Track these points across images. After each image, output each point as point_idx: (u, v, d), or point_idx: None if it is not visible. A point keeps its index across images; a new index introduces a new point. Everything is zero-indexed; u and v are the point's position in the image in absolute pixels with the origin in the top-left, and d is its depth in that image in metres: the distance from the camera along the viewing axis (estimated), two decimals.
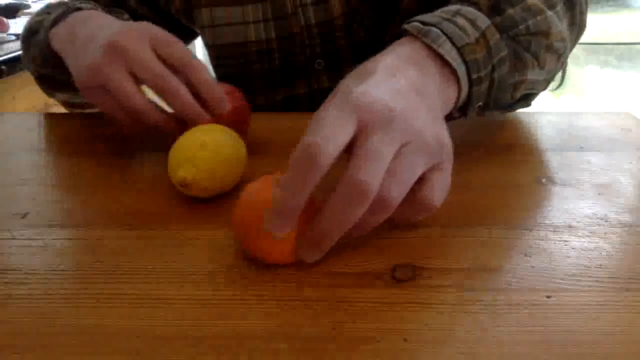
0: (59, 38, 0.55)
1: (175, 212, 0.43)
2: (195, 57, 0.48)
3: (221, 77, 0.75)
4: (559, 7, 0.49)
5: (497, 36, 0.43)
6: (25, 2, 1.65)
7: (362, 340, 0.29)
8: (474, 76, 0.41)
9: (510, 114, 0.61)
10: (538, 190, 0.45)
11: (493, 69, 0.43)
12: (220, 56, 0.73)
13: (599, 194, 0.44)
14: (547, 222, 0.40)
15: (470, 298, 0.32)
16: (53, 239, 0.39)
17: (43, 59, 0.59)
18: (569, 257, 0.36)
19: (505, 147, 0.54)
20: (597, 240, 0.37)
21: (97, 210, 0.43)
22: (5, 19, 1.30)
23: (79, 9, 0.57)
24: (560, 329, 0.29)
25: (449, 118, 0.43)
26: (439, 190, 0.35)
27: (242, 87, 0.73)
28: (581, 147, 0.53)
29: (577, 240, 0.38)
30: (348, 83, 0.36)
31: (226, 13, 0.69)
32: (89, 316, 0.31)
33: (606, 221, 0.40)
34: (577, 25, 0.54)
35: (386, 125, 0.33)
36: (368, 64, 0.38)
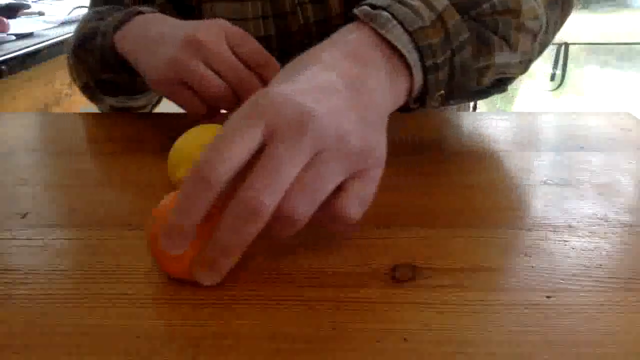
0: (127, 40, 0.55)
1: None
2: (266, 51, 0.49)
3: None
4: None
5: (457, 18, 0.39)
6: (25, 2, 1.65)
7: (362, 340, 0.29)
8: (429, 63, 0.38)
9: (509, 114, 0.61)
10: (538, 190, 0.45)
11: (453, 54, 0.39)
12: None
13: (599, 194, 0.44)
14: (547, 222, 0.40)
15: (470, 298, 0.32)
16: (53, 239, 0.39)
17: (103, 64, 0.59)
18: (569, 257, 0.36)
19: (505, 147, 0.54)
20: (597, 240, 0.37)
21: (97, 210, 0.43)
22: (5, 19, 1.30)
23: (141, 12, 0.57)
24: (560, 329, 0.29)
25: (405, 109, 0.41)
26: (355, 201, 0.32)
27: None
28: (581, 147, 0.53)
29: (577, 240, 0.38)
30: (272, 81, 0.34)
31: (226, 9, 0.69)
32: (89, 316, 0.31)
33: (606, 221, 0.40)
34: (559, 2, 0.51)
35: (297, 131, 0.30)
36: (303, 57, 0.35)
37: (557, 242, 0.37)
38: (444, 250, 0.37)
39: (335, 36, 0.38)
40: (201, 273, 0.32)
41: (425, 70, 0.38)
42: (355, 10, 0.38)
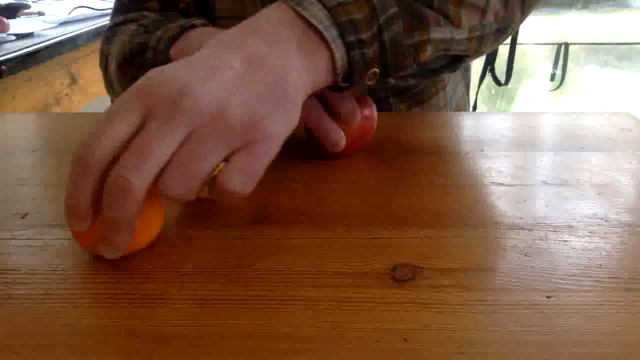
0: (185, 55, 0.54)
1: (175, 212, 0.43)
2: None
3: None
4: None
5: None
6: (25, 2, 1.65)
7: (362, 340, 0.29)
8: (350, 39, 0.37)
9: (509, 114, 0.61)
10: (538, 190, 0.45)
11: (380, 30, 0.39)
12: None
13: (599, 194, 0.44)
14: (547, 222, 0.40)
15: (470, 298, 0.32)
16: (53, 239, 0.39)
17: None
18: (569, 257, 0.36)
19: (505, 147, 0.54)
20: (597, 240, 0.37)
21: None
22: (5, 19, 1.29)
23: (193, 25, 0.55)
24: (560, 329, 0.29)
25: (337, 89, 0.41)
26: (237, 174, 0.32)
27: None
28: (581, 147, 0.53)
29: (577, 240, 0.38)
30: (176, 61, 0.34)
31: (226, 5, 0.69)
32: (89, 316, 0.31)
33: (606, 221, 0.40)
34: None
35: (170, 108, 0.30)
36: (216, 38, 0.35)
37: (557, 242, 0.37)
38: (444, 250, 0.37)
39: (253, 16, 0.38)
40: (102, 248, 0.33)
41: (348, 47, 0.38)
42: None
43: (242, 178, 0.32)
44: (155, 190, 0.31)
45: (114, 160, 0.30)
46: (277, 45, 0.35)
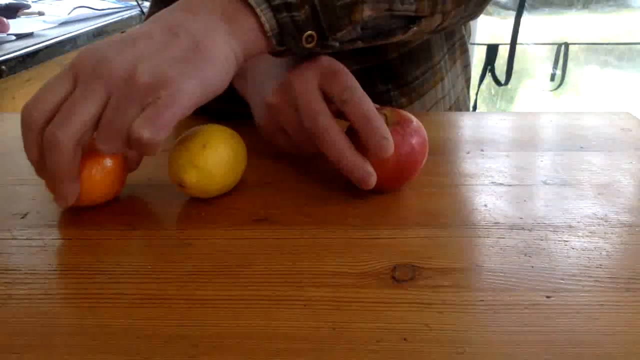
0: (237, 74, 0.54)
1: (175, 212, 0.43)
2: (358, 89, 0.42)
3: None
4: None
5: None
6: (25, 2, 1.64)
7: (362, 340, 0.29)
8: (276, 2, 0.38)
9: (509, 114, 0.61)
10: (538, 190, 0.45)
11: None
12: None
13: (599, 194, 0.44)
14: (547, 222, 0.40)
15: (470, 298, 0.32)
16: (53, 239, 0.39)
17: None
18: (569, 257, 0.36)
19: (505, 147, 0.54)
20: (597, 240, 0.37)
21: (97, 210, 0.43)
22: (5, 19, 1.29)
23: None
24: (560, 329, 0.29)
25: (278, 54, 0.42)
26: (144, 122, 0.35)
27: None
28: (581, 147, 0.53)
29: (577, 240, 0.38)
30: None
31: None
32: (89, 316, 0.31)
33: (606, 221, 0.40)
34: None
35: (90, 75, 0.35)
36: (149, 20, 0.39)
37: (557, 242, 0.37)
38: (444, 250, 0.37)
39: None
40: (55, 199, 0.39)
41: (274, 10, 0.38)
42: None
43: (150, 126, 0.35)
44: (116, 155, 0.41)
45: (49, 121, 0.36)
46: (201, 15, 0.38)
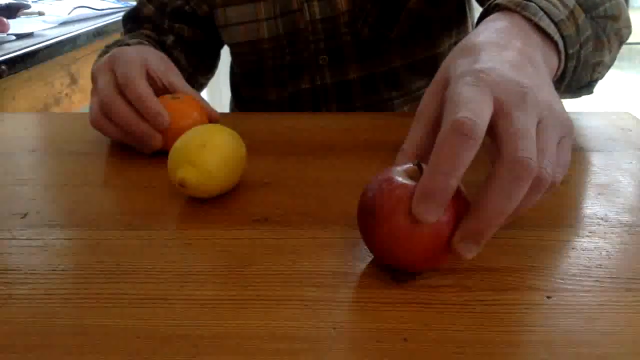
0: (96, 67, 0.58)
1: (175, 212, 0.43)
2: (135, 78, 0.52)
3: (241, 73, 0.79)
4: None
5: (583, 15, 0.44)
6: (25, 2, 1.64)
7: (362, 340, 0.29)
8: (570, 51, 0.42)
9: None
10: None
11: (580, 47, 0.44)
12: (237, 53, 0.76)
13: (599, 194, 0.44)
14: (547, 222, 0.40)
15: (470, 298, 0.32)
16: (53, 239, 0.39)
17: None
18: (569, 257, 0.36)
19: None
20: (597, 240, 0.37)
21: (97, 210, 0.43)
22: (5, 19, 1.29)
23: (128, 44, 0.61)
24: (560, 329, 0.29)
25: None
26: (561, 163, 0.33)
27: (258, 83, 0.76)
28: (581, 147, 0.53)
29: (577, 240, 0.38)
30: (460, 62, 0.35)
31: (238, 12, 0.70)
32: (89, 316, 0.31)
33: (606, 221, 0.40)
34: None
35: (521, 103, 0.32)
36: (471, 40, 0.37)
37: (557, 242, 0.37)
38: None
39: (485, 24, 0.40)
40: (467, 246, 0.31)
41: (567, 58, 0.42)
42: (502, 1, 0.41)
43: (563, 170, 0.34)
44: None
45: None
46: (534, 48, 0.38)
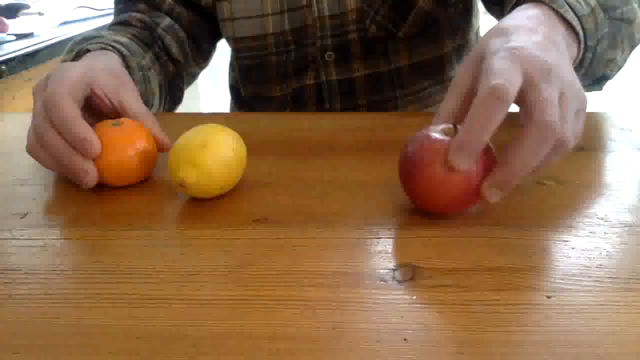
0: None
1: (175, 212, 0.43)
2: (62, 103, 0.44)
3: (242, 68, 0.77)
4: (636, 5, 0.55)
5: (602, 14, 0.48)
6: (25, 2, 1.64)
7: (362, 340, 0.29)
8: (589, 44, 0.46)
9: (509, 114, 0.61)
10: (538, 190, 0.45)
11: (597, 42, 0.48)
12: (240, 48, 0.74)
13: (599, 194, 0.44)
14: (547, 222, 0.40)
15: (470, 298, 0.32)
16: (53, 239, 0.39)
17: None
18: (569, 257, 0.36)
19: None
20: (597, 240, 0.37)
21: (97, 210, 0.43)
22: (5, 19, 1.29)
23: (88, 50, 0.57)
24: (560, 329, 0.29)
25: None
26: (576, 132, 0.38)
27: (260, 78, 0.75)
28: (581, 147, 0.53)
29: (577, 240, 0.38)
30: (494, 41, 0.40)
31: (245, 5, 0.69)
32: (89, 316, 0.31)
33: (606, 221, 0.40)
34: None
35: (547, 76, 0.36)
36: (505, 23, 0.42)
37: (557, 242, 0.37)
38: (444, 250, 0.37)
39: (518, 11, 0.45)
40: (494, 192, 0.37)
41: (585, 49, 0.46)
42: None
43: (577, 137, 0.39)
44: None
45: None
46: (559, 35, 0.43)
